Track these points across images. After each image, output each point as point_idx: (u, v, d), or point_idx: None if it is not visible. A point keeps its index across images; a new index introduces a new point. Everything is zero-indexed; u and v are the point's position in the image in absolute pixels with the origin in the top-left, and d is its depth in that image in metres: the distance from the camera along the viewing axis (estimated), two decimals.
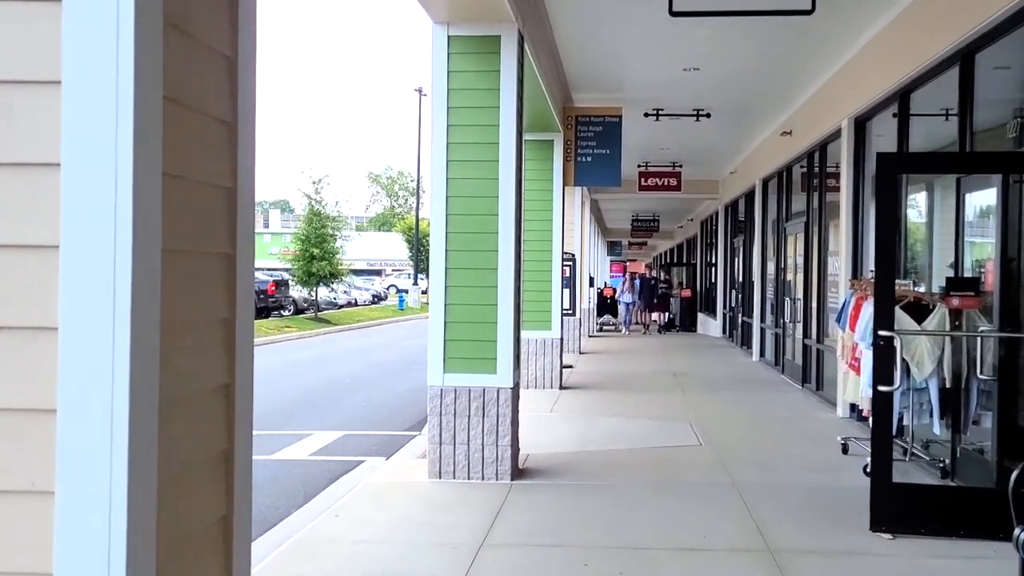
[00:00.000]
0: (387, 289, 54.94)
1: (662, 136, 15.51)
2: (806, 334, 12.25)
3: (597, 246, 30.43)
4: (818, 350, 11.56)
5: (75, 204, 1.68)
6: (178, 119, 1.92)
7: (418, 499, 6.45)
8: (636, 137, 14.78)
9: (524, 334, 11.93)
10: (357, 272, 58.53)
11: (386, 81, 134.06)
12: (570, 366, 14.72)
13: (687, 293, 26.61)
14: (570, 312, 15.75)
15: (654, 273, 28.50)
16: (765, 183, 15.92)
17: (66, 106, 1.69)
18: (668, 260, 40.18)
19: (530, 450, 7.89)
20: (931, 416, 6.77)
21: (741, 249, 19.41)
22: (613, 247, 44.37)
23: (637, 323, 25.95)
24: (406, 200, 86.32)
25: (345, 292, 41.40)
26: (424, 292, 40.32)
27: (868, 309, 7.01)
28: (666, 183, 19.00)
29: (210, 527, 2.16)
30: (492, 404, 6.89)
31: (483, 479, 6.87)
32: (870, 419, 7.39)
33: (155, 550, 1.78)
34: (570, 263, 15.40)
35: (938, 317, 6.59)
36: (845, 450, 7.81)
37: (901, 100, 8.28)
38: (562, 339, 12.63)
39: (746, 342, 18.43)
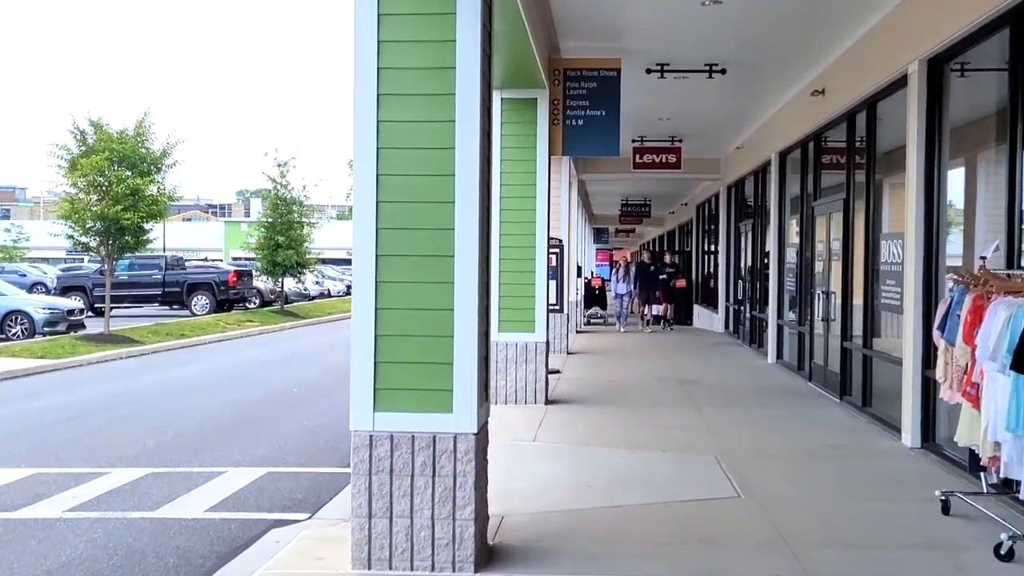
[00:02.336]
0: None
1: (662, 103, 13.36)
2: (846, 336, 10.02)
3: (585, 232, 28.16)
4: (865, 356, 9.33)
5: None
6: None
7: None
8: (633, 104, 12.46)
9: (501, 338, 9.69)
10: (337, 262, 55.95)
11: None
12: (557, 371, 12.48)
13: (682, 283, 24.25)
14: (557, 308, 13.48)
15: (652, 257, 25.34)
16: (783, 156, 13.69)
17: None
18: (657, 248, 37.91)
19: (506, 506, 5.63)
20: None
21: (750, 234, 17.16)
22: (599, 234, 42.17)
23: (636, 313, 23.37)
24: None
25: (317, 283, 38.91)
26: None
27: (999, 314, 4.79)
28: (664, 160, 16.81)
29: None
30: (447, 457, 4.62)
31: (433, 570, 4.60)
32: (991, 472, 5.17)
33: None
34: (557, 250, 13.11)
35: None
36: (946, 509, 5.58)
37: (1014, 24, 6.04)
38: (548, 342, 10.34)
39: (756, 340, 16.21)
